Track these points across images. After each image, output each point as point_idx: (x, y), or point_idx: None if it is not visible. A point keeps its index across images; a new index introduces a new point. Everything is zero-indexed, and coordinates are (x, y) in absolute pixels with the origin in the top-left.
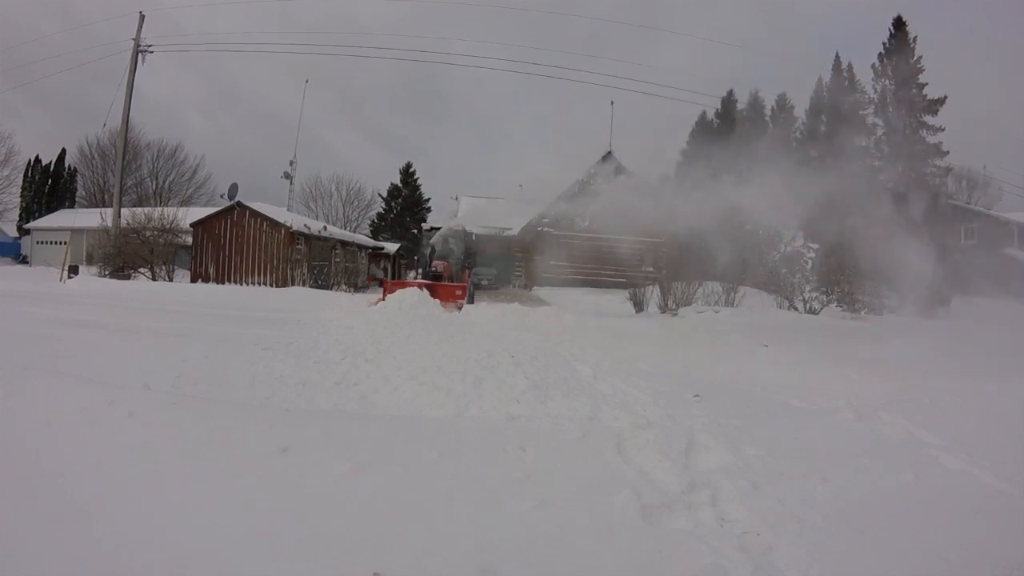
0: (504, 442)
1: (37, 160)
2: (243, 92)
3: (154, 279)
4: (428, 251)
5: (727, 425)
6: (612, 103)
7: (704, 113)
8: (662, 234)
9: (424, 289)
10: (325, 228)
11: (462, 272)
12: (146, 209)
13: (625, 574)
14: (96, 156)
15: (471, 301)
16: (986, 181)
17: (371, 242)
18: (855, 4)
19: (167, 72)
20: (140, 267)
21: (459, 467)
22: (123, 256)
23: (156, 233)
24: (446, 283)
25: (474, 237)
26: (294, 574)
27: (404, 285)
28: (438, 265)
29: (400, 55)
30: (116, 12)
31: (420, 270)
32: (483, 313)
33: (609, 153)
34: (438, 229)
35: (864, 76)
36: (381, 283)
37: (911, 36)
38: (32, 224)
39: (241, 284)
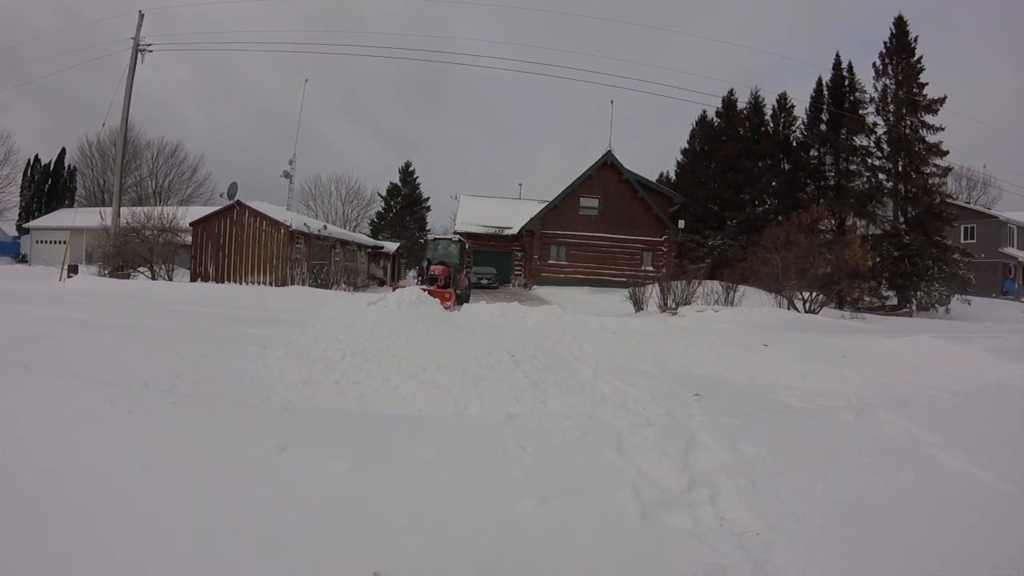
0: (503, 441)
1: (36, 159)
2: (243, 90)
3: (154, 278)
4: (425, 263)
5: (726, 424)
6: (612, 102)
7: (704, 113)
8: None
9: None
10: (325, 227)
11: (459, 274)
12: (146, 208)
13: (625, 573)
14: (96, 155)
15: (467, 300)
16: (986, 181)
17: (371, 241)
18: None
19: (167, 70)
20: (140, 266)
21: (458, 466)
22: (123, 255)
23: (156, 232)
24: (439, 287)
25: (467, 245)
26: (294, 574)
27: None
28: (435, 270)
29: (401, 54)
30: (116, 10)
31: (422, 276)
32: (482, 312)
33: (609, 152)
34: (442, 239)
35: (865, 76)
36: (381, 282)
37: (912, 36)
38: (32, 223)
39: (241, 283)
